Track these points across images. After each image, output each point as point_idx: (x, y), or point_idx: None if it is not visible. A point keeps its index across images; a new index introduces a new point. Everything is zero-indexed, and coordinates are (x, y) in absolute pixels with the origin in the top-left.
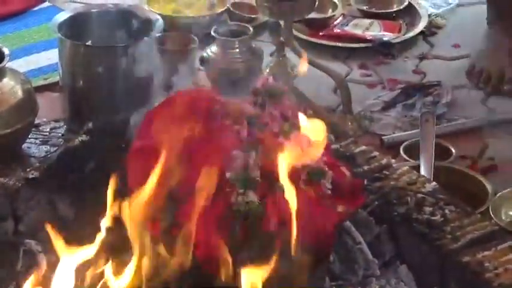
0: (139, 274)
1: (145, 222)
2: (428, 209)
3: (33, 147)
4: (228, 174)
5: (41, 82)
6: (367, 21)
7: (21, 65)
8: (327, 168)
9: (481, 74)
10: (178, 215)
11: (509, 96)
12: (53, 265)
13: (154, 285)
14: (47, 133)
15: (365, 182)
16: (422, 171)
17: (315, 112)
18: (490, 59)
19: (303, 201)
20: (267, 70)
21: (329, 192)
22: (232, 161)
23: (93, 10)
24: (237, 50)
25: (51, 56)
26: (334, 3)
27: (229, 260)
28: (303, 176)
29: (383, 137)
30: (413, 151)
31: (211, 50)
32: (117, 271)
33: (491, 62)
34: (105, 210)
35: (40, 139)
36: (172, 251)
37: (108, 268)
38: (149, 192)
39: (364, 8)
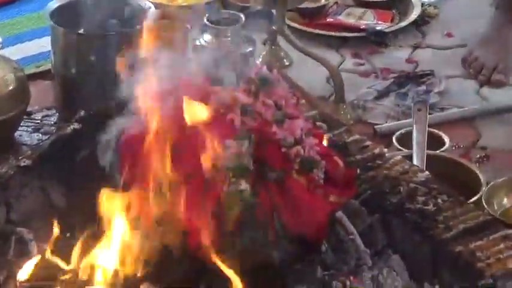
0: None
1: (137, 211)
2: (420, 199)
3: (25, 135)
4: (220, 163)
5: (33, 70)
6: (360, 10)
7: (14, 52)
8: (319, 158)
9: (475, 62)
10: (170, 203)
11: (497, 87)
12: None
13: (146, 273)
14: (39, 121)
15: (358, 171)
16: (415, 161)
17: (307, 101)
18: (487, 48)
19: (295, 190)
20: (260, 59)
21: (322, 181)
22: (225, 150)
23: None
24: (229, 39)
25: (43, 44)
26: None
27: (221, 248)
28: (295, 165)
29: (376, 126)
30: (406, 140)
31: (204, 38)
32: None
33: (487, 51)
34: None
35: (32, 127)
36: (164, 239)
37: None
38: (141, 181)
39: None
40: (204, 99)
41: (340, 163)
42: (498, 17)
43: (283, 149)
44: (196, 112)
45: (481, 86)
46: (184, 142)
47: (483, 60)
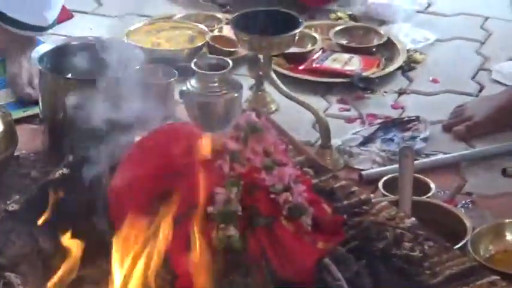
0: None
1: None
2: (407, 245)
3: (13, 179)
4: (209, 209)
5: (21, 114)
6: (346, 55)
7: (1, 97)
8: (308, 205)
9: (457, 111)
10: (159, 247)
11: (455, 137)
12: None
13: None
14: (27, 165)
15: (345, 217)
16: (401, 206)
17: (294, 147)
18: (476, 104)
19: (284, 237)
20: (246, 104)
21: (309, 228)
22: (213, 196)
23: (73, 43)
24: (217, 84)
25: None
26: (314, 37)
27: None
28: (284, 211)
29: (362, 172)
30: (392, 186)
31: (191, 83)
32: None
33: (473, 106)
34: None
35: (20, 171)
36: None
37: None
38: (132, 226)
39: (344, 42)
40: (194, 145)
41: (328, 210)
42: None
43: (272, 196)
44: (186, 158)
45: (444, 130)
46: (173, 188)
47: (464, 111)
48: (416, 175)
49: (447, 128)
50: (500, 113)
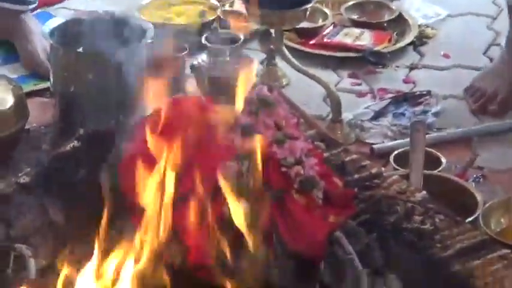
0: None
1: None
2: (418, 218)
3: (24, 152)
4: (221, 183)
5: (32, 88)
6: (357, 30)
7: (12, 70)
8: (319, 178)
9: (476, 92)
10: (171, 222)
11: (492, 116)
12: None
13: None
14: (38, 138)
15: (356, 191)
16: (412, 181)
17: (305, 121)
18: (488, 80)
19: (295, 210)
20: (258, 78)
21: (320, 201)
22: (225, 170)
23: (84, 17)
24: (228, 58)
25: None
26: (325, 12)
27: (221, 267)
28: (295, 185)
29: (373, 146)
30: (403, 160)
31: (202, 58)
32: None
33: (488, 83)
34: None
35: (31, 144)
36: (165, 258)
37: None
38: (142, 198)
39: (355, 17)
40: (205, 119)
41: (339, 183)
42: (507, 53)
43: (283, 169)
44: (197, 132)
45: (474, 113)
46: (185, 161)
47: (484, 90)
48: (427, 149)
49: (479, 111)
50: None
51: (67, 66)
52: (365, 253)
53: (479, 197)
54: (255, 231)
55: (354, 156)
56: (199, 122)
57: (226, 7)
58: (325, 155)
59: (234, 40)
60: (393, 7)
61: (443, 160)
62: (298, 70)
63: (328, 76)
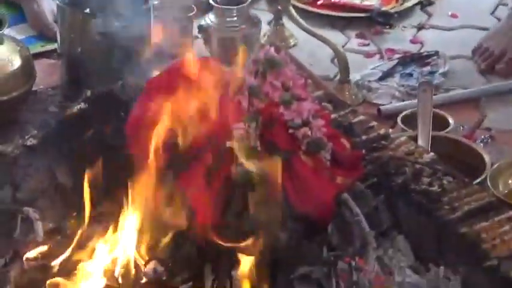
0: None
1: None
2: (426, 180)
3: (31, 114)
4: (228, 144)
5: (39, 49)
6: None
7: (19, 31)
8: (326, 140)
9: (484, 52)
10: (178, 183)
11: (500, 76)
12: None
13: (153, 253)
14: (45, 100)
15: (364, 153)
16: (420, 142)
17: (313, 81)
18: (496, 40)
19: (302, 172)
20: (265, 39)
21: (328, 163)
22: (233, 131)
23: None
24: (235, 19)
25: None
26: None
27: (228, 228)
28: (302, 146)
29: (380, 107)
30: (411, 121)
31: (210, 18)
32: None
33: (496, 43)
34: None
35: (38, 106)
36: (171, 219)
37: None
38: (149, 160)
39: None
40: (212, 80)
41: (347, 145)
42: None
43: (291, 130)
44: (204, 93)
45: (482, 73)
46: (192, 122)
47: (492, 50)
48: (435, 110)
49: (487, 70)
50: None
51: (74, 28)
52: (373, 215)
53: (487, 158)
54: (262, 193)
55: (362, 117)
56: (206, 83)
57: None
58: (333, 116)
59: (241, 0)
60: None
61: (451, 121)
62: (306, 30)
63: (336, 36)
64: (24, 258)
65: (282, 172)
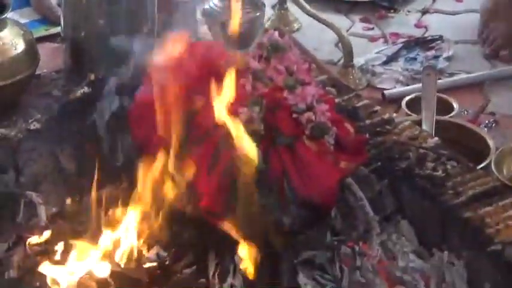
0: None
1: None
2: (430, 164)
3: (35, 98)
4: (231, 128)
5: (43, 33)
6: None
7: (23, 15)
8: (330, 124)
9: (488, 38)
10: (181, 167)
11: (504, 62)
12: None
13: (156, 237)
14: (48, 84)
15: (368, 137)
16: (424, 126)
17: (317, 66)
18: (499, 21)
19: (306, 156)
20: (269, 23)
21: (332, 148)
22: (236, 115)
23: None
24: (239, 3)
25: None
26: None
27: (231, 212)
28: (306, 131)
29: (385, 91)
30: (415, 105)
31: (214, 2)
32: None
33: (499, 29)
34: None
35: (41, 90)
36: (175, 203)
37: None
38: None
39: None
40: (216, 64)
41: (351, 129)
42: None
43: (295, 115)
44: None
45: (487, 58)
46: (195, 107)
47: (496, 35)
48: (439, 94)
49: (492, 56)
50: None
51: (77, 11)
52: (376, 200)
53: (491, 142)
54: (266, 177)
55: (366, 101)
56: (210, 67)
57: None
58: (337, 100)
59: None
60: None
61: (456, 105)
62: (310, 15)
63: (340, 21)
64: (27, 243)
65: (285, 157)
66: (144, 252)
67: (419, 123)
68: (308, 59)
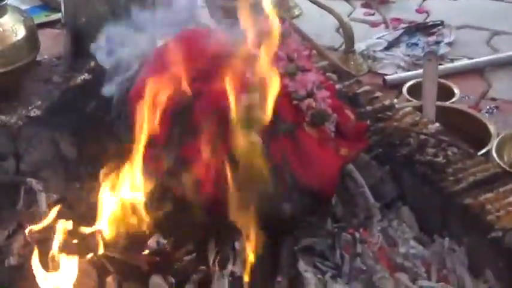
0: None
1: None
2: (430, 151)
3: (35, 85)
4: (232, 115)
5: (43, 19)
6: None
7: (23, 1)
8: (331, 111)
9: None
10: (182, 154)
11: None
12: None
13: (156, 225)
14: (49, 71)
15: (368, 124)
16: (425, 112)
17: (317, 52)
18: None
19: (307, 143)
20: None
21: (333, 134)
22: (236, 102)
23: None
24: None
25: None
26: None
27: (232, 200)
28: (307, 118)
29: (386, 77)
30: (416, 91)
31: None
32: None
33: None
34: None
35: (42, 77)
36: (175, 191)
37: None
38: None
39: None
40: (217, 50)
41: (351, 116)
42: None
43: (295, 102)
44: (209, 63)
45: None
46: (196, 93)
47: None
48: (440, 80)
49: None
50: None
51: None
52: (377, 186)
53: (492, 128)
54: (266, 165)
55: (367, 87)
56: (211, 54)
57: None
58: (337, 86)
59: None
60: None
61: (457, 91)
62: (311, 0)
63: (341, 6)
64: (27, 230)
65: (286, 144)
66: (145, 239)
67: (420, 109)
68: (308, 45)
